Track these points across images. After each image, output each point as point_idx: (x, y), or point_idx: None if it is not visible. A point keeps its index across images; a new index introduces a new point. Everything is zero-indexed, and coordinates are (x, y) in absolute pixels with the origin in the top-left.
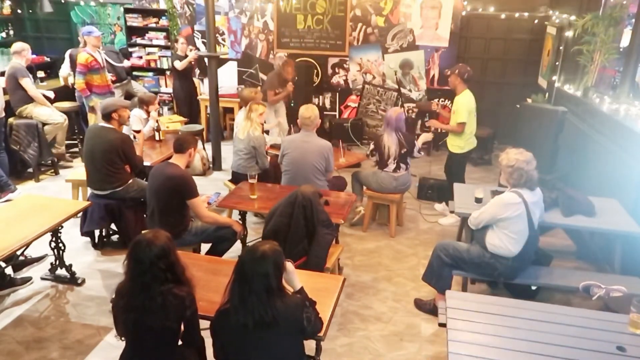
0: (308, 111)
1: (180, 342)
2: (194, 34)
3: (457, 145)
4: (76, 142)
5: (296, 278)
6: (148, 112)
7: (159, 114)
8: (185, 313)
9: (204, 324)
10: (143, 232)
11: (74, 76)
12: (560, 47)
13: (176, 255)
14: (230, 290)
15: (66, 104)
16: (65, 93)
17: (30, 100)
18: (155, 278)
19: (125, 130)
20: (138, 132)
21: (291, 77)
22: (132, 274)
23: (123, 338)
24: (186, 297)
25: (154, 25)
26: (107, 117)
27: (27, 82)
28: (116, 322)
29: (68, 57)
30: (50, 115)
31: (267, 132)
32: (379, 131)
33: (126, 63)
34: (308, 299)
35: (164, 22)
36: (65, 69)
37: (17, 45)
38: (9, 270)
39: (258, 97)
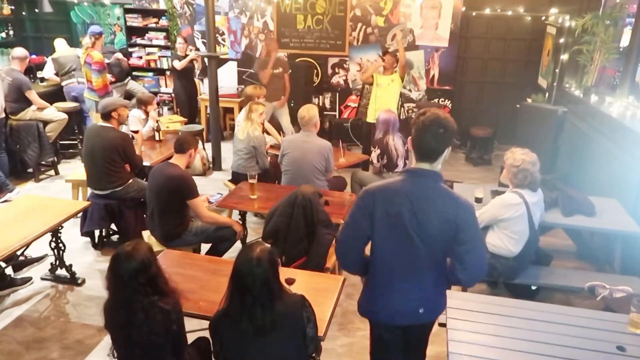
0: (307, 111)
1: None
2: (194, 34)
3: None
4: (76, 142)
5: None
6: (147, 113)
7: (159, 114)
8: (171, 327)
9: (204, 324)
10: (123, 244)
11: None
12: (561, 47)
13: (157, 267)
14: (229, 301)
15: (66, 104)
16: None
17: (29, 104)
18: (136, 292)
19: (124, 130)
20: (136, 132)
21: (273, 49)
22: (113, 289)
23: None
24: (172, 311)
25: (154, 25)
26: (106, 116)
27: (34, 95)
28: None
29: (50, 61)
30: (54, 113)
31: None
32: (377, 136)
33: (118, 55)
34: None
35: (164, 22)
36: (49, 72)
37: (20, 52)
38: (9, 271)
39: (262, 92)
